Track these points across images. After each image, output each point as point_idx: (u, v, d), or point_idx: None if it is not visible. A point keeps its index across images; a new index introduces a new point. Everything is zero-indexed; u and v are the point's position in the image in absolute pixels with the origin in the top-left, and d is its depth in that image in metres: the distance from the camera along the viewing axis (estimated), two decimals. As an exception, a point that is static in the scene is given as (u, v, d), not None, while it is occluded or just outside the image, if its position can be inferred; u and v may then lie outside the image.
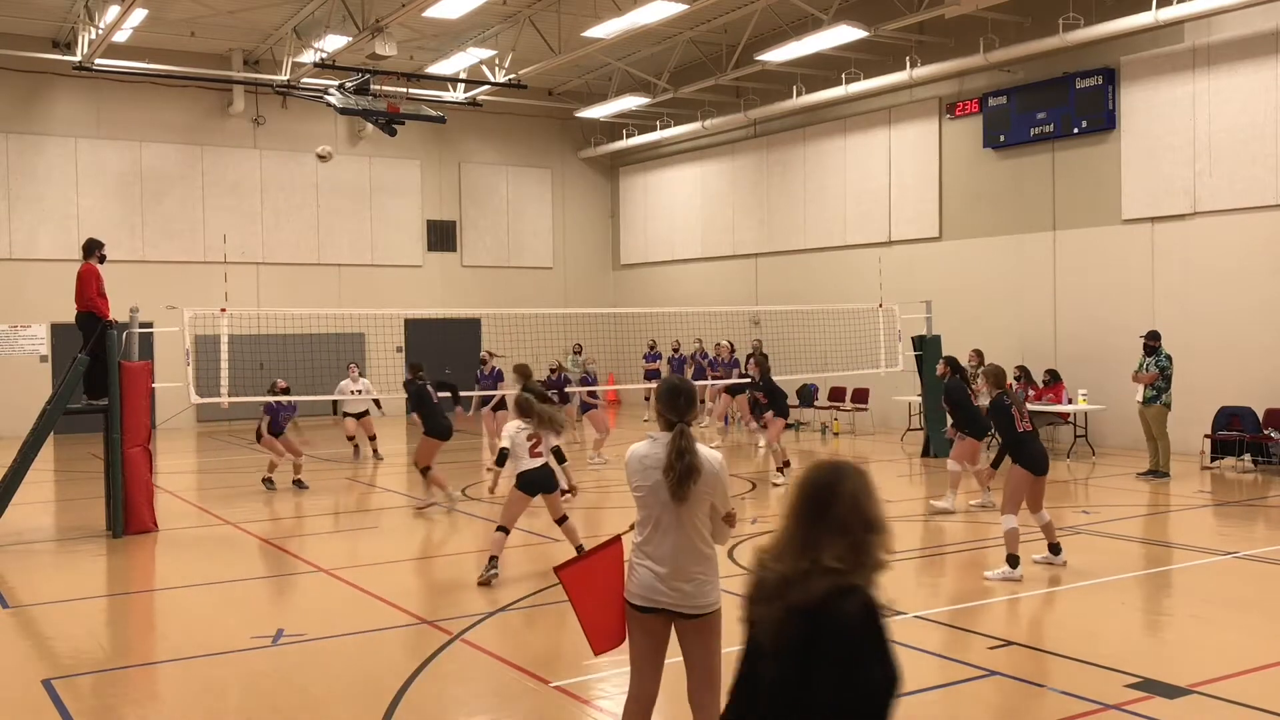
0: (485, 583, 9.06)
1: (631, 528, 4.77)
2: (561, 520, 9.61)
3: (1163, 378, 14.60)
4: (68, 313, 12.67)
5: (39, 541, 11.56)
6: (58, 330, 22.06)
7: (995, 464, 10.70)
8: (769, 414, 14.94)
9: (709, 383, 20.94)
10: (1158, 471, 14.54)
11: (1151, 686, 6.28)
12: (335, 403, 18.55)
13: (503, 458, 9.48)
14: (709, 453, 4.59)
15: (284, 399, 13.98)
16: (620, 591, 4.69)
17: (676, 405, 4.64)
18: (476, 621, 7.98)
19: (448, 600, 8.98)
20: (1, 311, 22.60)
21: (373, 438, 17.70)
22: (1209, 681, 6.38)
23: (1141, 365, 14.93)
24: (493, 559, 9.25)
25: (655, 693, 4.72)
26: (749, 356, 18.78)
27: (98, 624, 8.29)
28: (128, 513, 11.56)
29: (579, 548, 9.19)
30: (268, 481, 14.56)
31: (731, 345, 22.52)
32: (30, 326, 22.79)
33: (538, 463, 9.31)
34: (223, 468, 17.19)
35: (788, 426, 21.87)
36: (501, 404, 16.05)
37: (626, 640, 4.75)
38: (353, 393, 17.32)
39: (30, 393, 19.80)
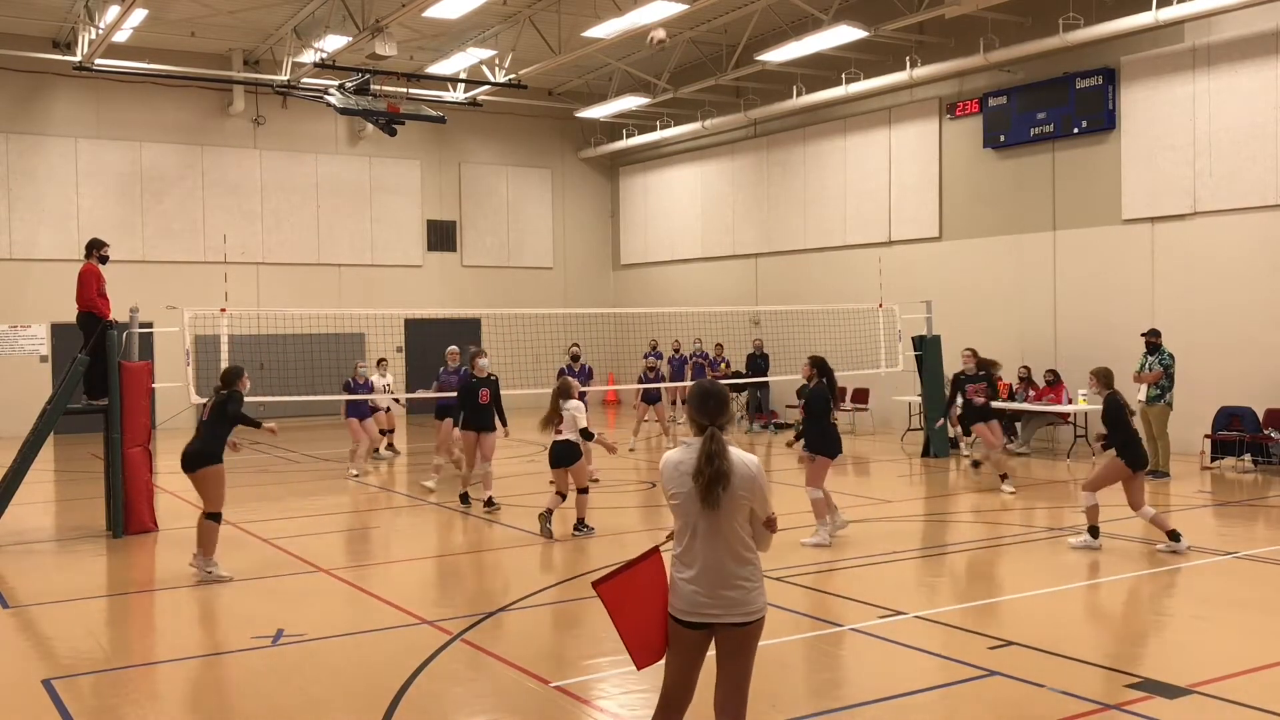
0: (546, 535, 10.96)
1: (669, 538, 4.67)
2: (582, 491, 11.26)
3: (1166, 376, 14.59)
4: (68, 313, 12.67)
5: (39, 541, 11.55)
6: (58, 330, 22.06)
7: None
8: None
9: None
10: (1157, 471, 14.53)
11: (1151, 686, 6.28)
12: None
13: (588, 435, 11.34)
14: (745, 457, 4.48)
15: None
16: (661, 604, 4.55)
17: (707, 408, 4.54)
18: (476, 621, 7.98)
19: (448, 600, 8.99)
20: (1, 311, 22.60)
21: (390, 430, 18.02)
22: (1209, 681, 6.37)
23: (1143, 364, 14.93)
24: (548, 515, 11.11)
25: (689, 704, 4.62)
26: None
27: (98, 624, 8.29)
28: (128, 513, 11.56)
29: (580, 520, 11.19)
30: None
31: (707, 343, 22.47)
32: (30, 326, 22.79)
33: (558, 439, 11.14)
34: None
35: (782, 427, 21.83)
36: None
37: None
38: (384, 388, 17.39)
39: (30, 393, 19.79)
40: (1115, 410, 10.27)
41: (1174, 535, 10.09)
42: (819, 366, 11.02)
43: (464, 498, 13.12)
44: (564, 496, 11.16)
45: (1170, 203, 16.95)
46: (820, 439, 10.72)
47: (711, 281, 25.99)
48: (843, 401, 21.44)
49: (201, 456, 9.37)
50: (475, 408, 12.72)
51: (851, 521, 11.15)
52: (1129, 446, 10.15)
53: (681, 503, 4.49)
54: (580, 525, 11.20)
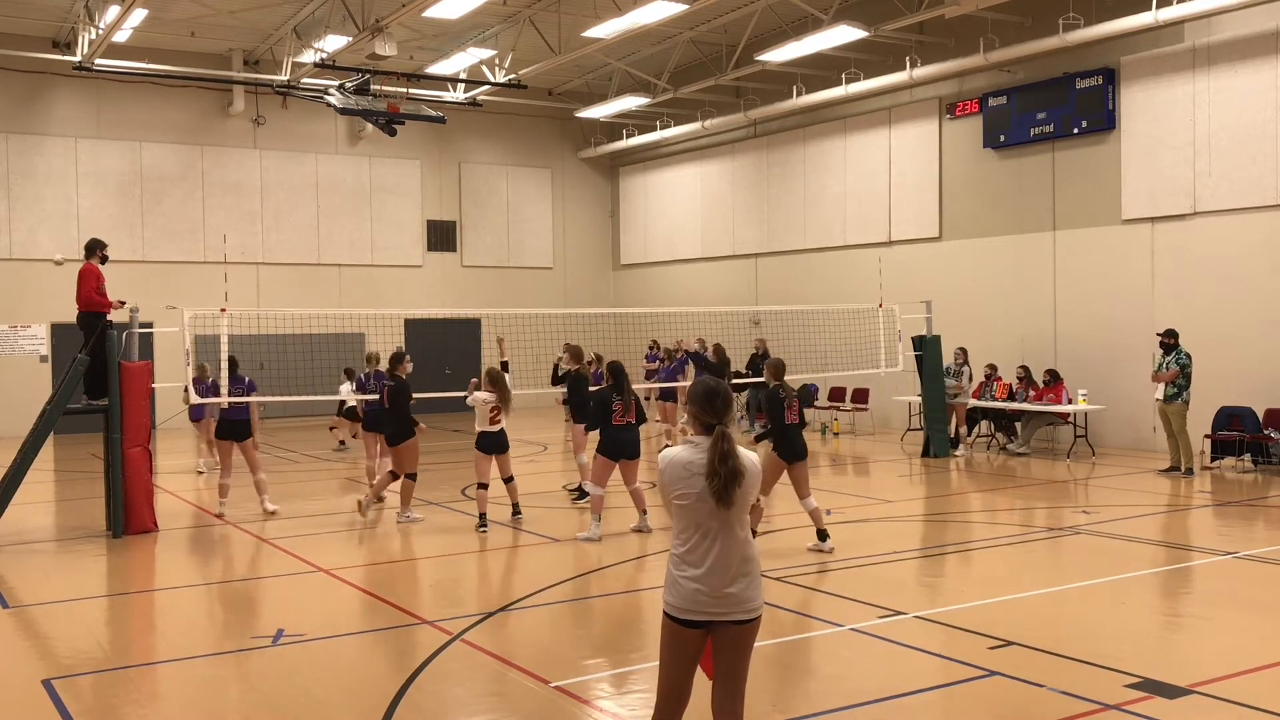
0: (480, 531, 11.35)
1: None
2: (508, 480, 11.78)
3: (1183, 375, 14.61)
4: (68, 313, 12.68)
5: (39, 541, 11.55)
6: (58, 330, 22.07)
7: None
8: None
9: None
10: (1178, 468, 14.55)
11: (1151, 686, 6.28)
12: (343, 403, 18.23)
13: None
14: (748, 454, 4.50)
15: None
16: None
17: (714, 407, 4.50)
18: (476, 621, 7.98)
19: (448, 600, 8.99)
20: (1, 311, 22.60)
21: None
22: (1209, 681, 6.37)
23: (1160, 364, 14.94)
24: (482, 515, 11.48)
25: (686, 705, 4.59)
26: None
27: (98, 624, 8.28)
28: (128, 513, 11.56)
29: (515, 504, 11.89)
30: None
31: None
32: (30, 326, 22.79)
33: (495, 429, 11.48)
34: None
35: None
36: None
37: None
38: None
39: (30, 393, 19.81)
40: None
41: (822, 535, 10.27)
42: (614, 371, 11.42)
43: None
44: (486, 486, 11.61)
45: (1170, 203, 16.95)
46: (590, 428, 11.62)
47: (711, 281, 25.99)
48: (842, 401, 21.46)
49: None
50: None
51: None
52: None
53: (690, 503, 4.45)
54: (517, 510, 12.01)
